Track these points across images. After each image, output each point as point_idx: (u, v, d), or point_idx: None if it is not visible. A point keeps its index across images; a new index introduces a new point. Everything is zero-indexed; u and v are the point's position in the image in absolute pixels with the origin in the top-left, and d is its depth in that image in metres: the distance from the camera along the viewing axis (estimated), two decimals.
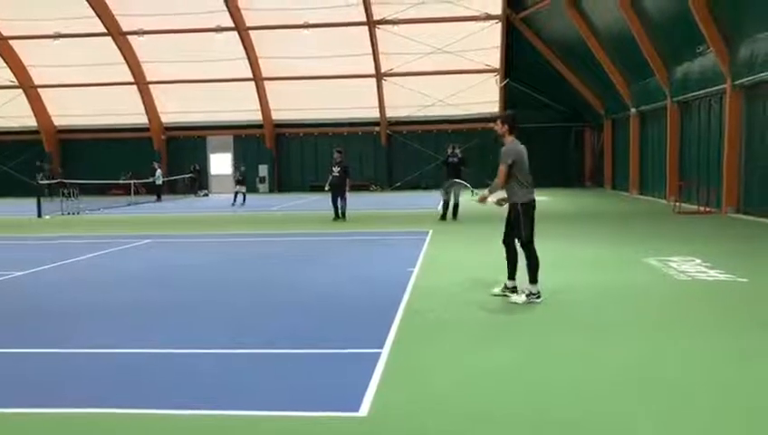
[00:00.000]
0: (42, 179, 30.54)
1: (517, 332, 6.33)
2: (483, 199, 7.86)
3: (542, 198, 27.67)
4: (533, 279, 7.39)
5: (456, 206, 17.23)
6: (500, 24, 31.08)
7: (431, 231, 14.51)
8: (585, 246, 12.20)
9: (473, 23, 30.83)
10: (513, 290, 7.58)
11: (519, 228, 7.43)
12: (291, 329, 6.57)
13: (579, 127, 35.11)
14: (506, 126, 7.55)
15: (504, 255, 7.71)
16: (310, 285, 8.92)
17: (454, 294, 7.96)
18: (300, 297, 8.13)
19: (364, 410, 4.35)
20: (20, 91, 34.62)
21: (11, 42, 32.94)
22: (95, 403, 4.55)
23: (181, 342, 6.15)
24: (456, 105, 33.27)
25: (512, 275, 7.67)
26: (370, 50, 32.21)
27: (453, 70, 32.60)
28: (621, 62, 26.02)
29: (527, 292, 7.39)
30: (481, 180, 32.81)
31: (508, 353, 5.62)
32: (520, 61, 32.35)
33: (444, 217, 17.21)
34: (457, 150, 17.85)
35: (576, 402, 4.51)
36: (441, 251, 11.70)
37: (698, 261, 10.08)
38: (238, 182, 26.03)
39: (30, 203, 22.36)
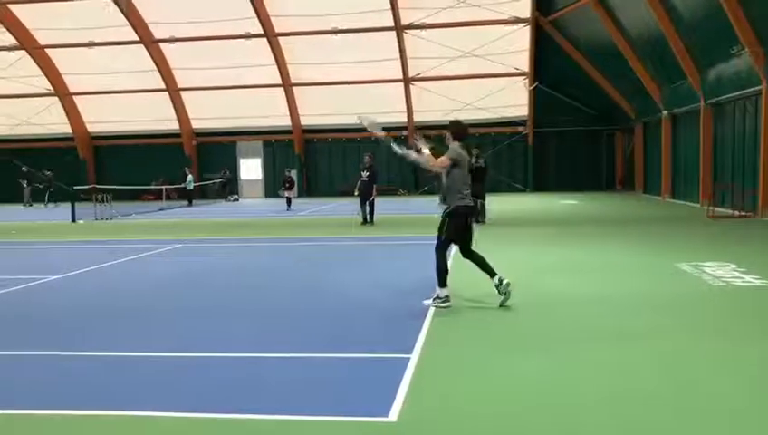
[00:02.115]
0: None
1: (548, 339, 6.26)
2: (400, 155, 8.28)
3: (571, 202, 27.53)
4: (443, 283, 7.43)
5: (482, 206, 17.19)
6: (529, 28, 30.90)
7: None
8: (616, 251, 12.04)
9: (501, 26, 30.71)
10: (500, 283, 7.51)
11: (442, 230, 7.52)
12: (319, 333, 6.59)
13: (609, 130, 34.72)
14: (448, 132, 7.74)
15: (475, 265, 7.69)
16: (338, 289, 8.95)
17: (483, 298, 7.91)
18: (328, 301, 8.15)
19: (393, 415, 4.34)
20: (56, 98, 35.38)
21: (47, 51, 33.70)
22: (130, 406, 4.62)
23: (211, 346, 6.20)
24: (485, 109, 33.14)
25: (492, 274, 7.60)
26: (398, 54, 32.27)
27: (481, 74, 32.50)
28: (652, 64, 25.67)
29: (435, 295, 7.44)
30: (508, 184, 32.83)
31: (539, 361, 5.56)
32: (549, 64, 32.12)
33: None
34: (481, 154, 17.87)
35: (607, 412, 4.45)
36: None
37: (733, 266, 9.88)
38: (286, 187, 26.02)
39: (65, 208, 22.79)
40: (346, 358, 5.72)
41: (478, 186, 17.40)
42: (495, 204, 17.85)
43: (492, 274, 7.55)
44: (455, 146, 7.60)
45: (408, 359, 5.52)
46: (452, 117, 34.46)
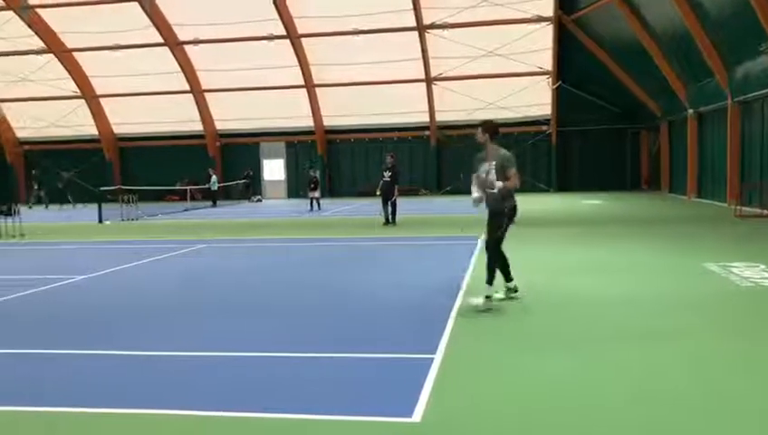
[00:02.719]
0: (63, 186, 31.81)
1: (573, 339, 6.22)
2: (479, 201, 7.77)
3: (595, 202, 27.26)
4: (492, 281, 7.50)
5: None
6: (552, 26, 30.69)
7: (482, 236, 14.37)
8: (642, 251, 11.91)
9: (524, 25, 30.54)
10: (515, 290, 7.75)
11: (495, 229, 7.51)
12: (342, 333, 6.61)
13: (634, 129, 34.34)
14: (487, 134, 7.65)
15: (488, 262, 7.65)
16: (361, 289, 8.97)
17: (507, 299, 7.87)
18: (352, 302, 8.17)
19: (417, 415, 4.34)
20: (82, 101, 35.92)
21: (74, 54, 34.23)
22: (155, 405, 4.68)
23: (235, 345, 6.25)
24: (508, 108, 33.00)
25: (508, 277, 7.75)
26: (420, 54, 32.25)
27: (504, 73, 32.36)
28: (678, 61, 25.35)
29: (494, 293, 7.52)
30: (532, 184, 32.59)
31: (564, 361, 5.52)
32: (573, 63, 31.88)
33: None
34: None
35: (633, 413, 4.40)
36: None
37: (762, 267, 9.72)
38: (311, 188, 26.01)
39: (91, 209, 23.12)
40: (369, 358, 5.73)
41: None
42: (519, 204, 17.70)
43: (508, 278, 7.74)
44: (495, 148, 7.59)
45: (432, 359, 5.52)
46: (474, 117, 34.39)
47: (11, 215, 18.17)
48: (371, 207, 22.60)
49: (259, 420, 4.39)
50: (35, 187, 32.87)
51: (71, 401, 4.78)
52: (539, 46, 31.31)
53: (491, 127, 7.72)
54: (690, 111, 25.84)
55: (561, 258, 11.32)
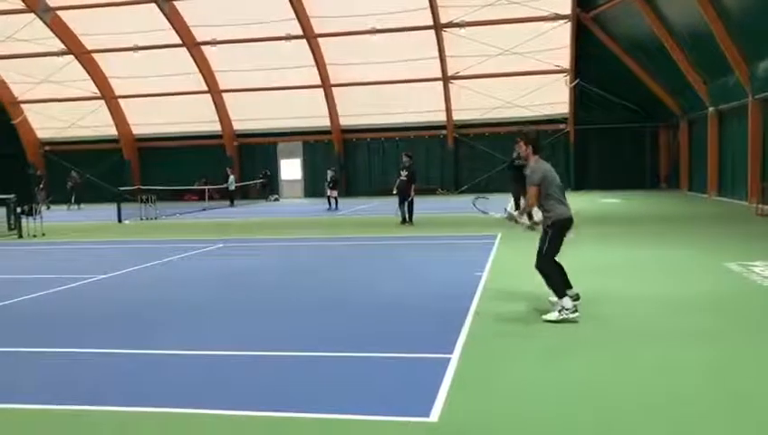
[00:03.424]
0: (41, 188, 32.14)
1: (591, 341, 6.19)
2: (512, 220, 7.51)
3: (613, 201, 26.99)
4: (562, 293, 6.83)
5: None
6: (569, 24, 30.49)
7: (499, 235, 14.35)
8: (661, 250, 11.81)
9: (541, 23, 30.38)
10: (577, 298, 7.03)
11: (545, 243, 6.94)
12: (360, 333, 6.64)
13: (653, 127, 34.03)
14: (530, 147, 7.05)
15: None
16: (378, 288, 8.99)
17: (524, 299, 7.85)
18: (368, 301, 8.19)
19: (435, 415, 4.36)
20: (102, 101, 36.29)
21: (94, 55, 34.58)
22: (181, 404, 4.73)
23: (253, 344, 6.30)
24: (524, 107, 32.84)
25: (568, 285, 7.07)
26: (437, 53, 32.19)
27: (521, 71, 32.21)
28: (698, 58, 25.07)
29: (559, 307, 6.77)
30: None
31: (582, 363, 5.50)
32: (591, 60, 31.63)
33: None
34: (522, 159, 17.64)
35: (652, 417, 4.38)
36: (510, 255, 11.56)
37: None
38: (330, 187, 26.05)
39: (111, 208, 23.37)
40: (386, 358, 5.75)
41: (519, 186, 17.28)
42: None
43: (568, 285, 7.03)
44: (534, 161, 7.04)
45: (449, 359, 5.52)
46: (491, 115, 34.16)
47: (32, 215, 18.41)
48: (388, 206, 22.61)
49: (275, 419, 4.42)
50: (39, 187, 33.07)
51: (105, 401, 4.84)
52: (556, 44, 31.11)
53: (533, 141, 7.11)
54: (711, 108, 25.55)
55: (580, 258, 11.25)
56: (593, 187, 33.31)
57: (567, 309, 6.69)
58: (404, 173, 17.96)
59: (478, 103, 33.21)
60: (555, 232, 6.96)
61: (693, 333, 6.32)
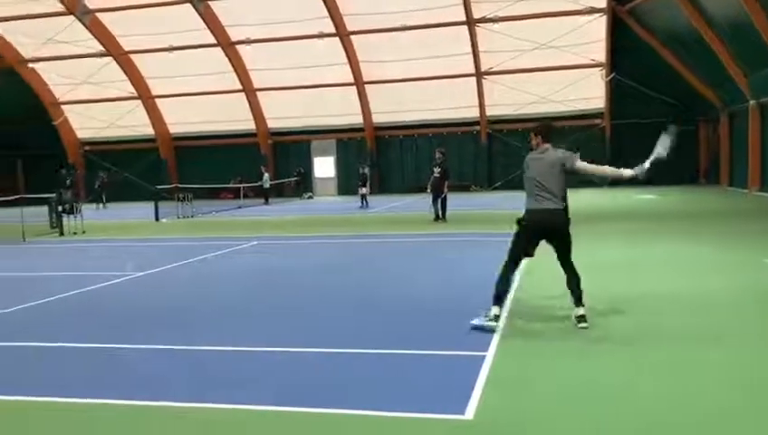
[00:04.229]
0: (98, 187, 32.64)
1: (625, 339, 6.11)
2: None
3: (649, 197, 26.55)
4: (498, 300, 6.48)
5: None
6: (605, 17, 30.04)
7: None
8: (699, 247, 11.59)
9: (576, 17, 29.99)
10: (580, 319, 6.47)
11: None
12: (394, 330, 6.65)
13: (691, 121, 33.32)
14: (539, 136, 6.79)
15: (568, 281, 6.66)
16: (412, 286, 9.00)
17: (560, 297, 7.76)
18: (402, 298, 8.21)
19: (470, 413, 4.35)
20: (139, 101, 36.94)
21: (131, 56, 35.21)
22: (213, 399, 4.81)
23: (288, 341, 6.35)
24: (559, 102, 32.47)
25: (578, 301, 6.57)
26: (470, 49, 32.02)
27: (555, 66, 31.85)
28: (738, 50, 24.48)
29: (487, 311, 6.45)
30: (584, 179, 31.92)
31: (616, 362, 5.44)
32: (627, 54, 31.12)
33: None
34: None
35: (688, 416, 4.31)
36: (544, 253, 11.43)
37: None
38: (361, 184, 26.20)
39: (148, 207, 23.78)
40: (421, 355, 5.76)
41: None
42: (570, 199, 17.42)
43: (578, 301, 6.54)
44: (550, 147, 6.77)
45: (484, 356, 5.51)
46: (525, 111, 33.85)
47: (73, 213, 18.85)
48: (421, 203, 22.59)
49: (316, 416, 4.46)
50: (67, 184, 33.63)
51: (155, 396, 4.95)
52: (591, 38, 30.69)
53: (544, 129, 6.90)
54: (752, 101, 24.93)
55: (613, 255, 11.11)
56: (630, 182, 32.75)
57: (488, 317, 6.38)
58: (437, 170, 17.92)
59: (512, 99, 32.94)
60: (520, 230, 6.66)
61: (729, 331, 6.20)
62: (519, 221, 6.72)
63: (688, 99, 31.97)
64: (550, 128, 7.00)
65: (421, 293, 8.49)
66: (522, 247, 6.70)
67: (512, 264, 6.66)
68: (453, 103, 34.18)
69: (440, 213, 17.94)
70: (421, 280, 9.41)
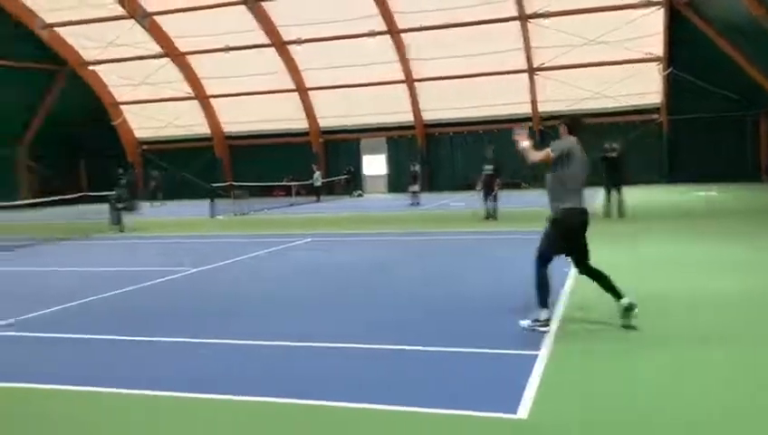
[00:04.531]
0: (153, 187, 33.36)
1: (679, 339, 5.99)
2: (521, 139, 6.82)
3: (710, 193, 25.67)
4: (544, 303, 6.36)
5: (619, 201, 16.71)
6: (662, 11, 29.26)
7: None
8: (756, 246, 11.20)
9: (632, 11, 29.30)
10: (629, 308, 6.30)
11: (543, 240, 6.45)
12: (446, 327, 6.67)
13: (753, 115, 32.16)
14: (565, 126, 6.70)
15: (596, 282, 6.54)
16: (464, 284, 8.99)
17: (610, 298, 7.64)
18: (454, 296, 8.21)
19: (523, 412, 4.34)
20: (195, 101, 37.80)
21: (188, 57, 36.06)
22: (275, 393, 4.93)
23: (343, 337, 6.43)
24: (612, 97, 31.80)
25: (618, 295, 6.40)
26: (522, 45, 31.64)
27: (609, 61, 31.19)
28: None
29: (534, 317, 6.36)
30: (638, 175, 31.23)
31: (670, 362, 5.34)
32: (684, 47, 30.23)
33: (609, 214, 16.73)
34: (615, 145, 17.14)
35: (743, 418, 4.20)
36: (604, 250, 11.23)
37: None
38: (412, 182, 26.08)
39: (204, 204, 24.33)
40: (473, 352, 5.76)
41: (615, 176, 16.88)
42: (627, 197, 17.13)
43: (617, 295, 6.38)
44: (565, 140, 6.61)
45: (536, 355, 5.48)
46: (579, 107, 33.24)
47: (132, 211, 19.45)
48: (471, 200, 22.47)
49: (367, 411, 4.53)
50: (124, 183, 34.52)
51: (225, 389, 5.10)
52: (646, 31, 29.92)
53: (567, 119, 6.86)
54: None
55: (673, 253, 10.85)
56: (688, 179, 31.85)
57: (539, 321, 6.29)
58: (489, 167, 17.79)
59: (564, 94, 32.39)
60: (554, 230, 6.44)
61: None
62: (555, 220, 6.45)
63: (750, 92, 30.84)
64: (578, 121, 6.88)
65: (471, 291, 8.47)
66: (559, 248, 6.49)
67: (546, 265, 6.48)
68: (504, 100, 33.83)
69: (491, 210, 17.80)
70: (471, 278, 9.39)
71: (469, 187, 23.57)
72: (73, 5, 31.42)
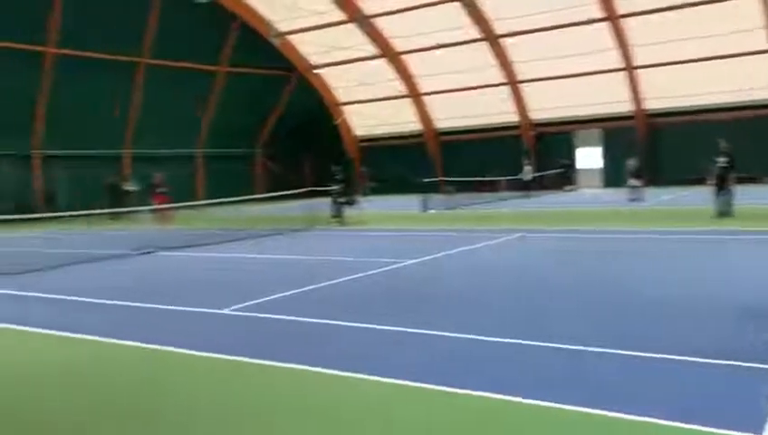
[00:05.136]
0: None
1: None
2: None
3: None
4: None
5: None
6: None
7: None
8: None
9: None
10: None
11: None
12: (682, 335, 6.17)
13: None
14: None
15: None
16: (701, 288, 8.27)
17: None
18: (691, 301, 7.54)
19: None
20: (408, 99, 39.13)
21: (402, 56, 37.41)
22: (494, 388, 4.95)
23: (592, 340, 6.16)
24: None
25: None
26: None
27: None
28: None
29: None
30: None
31: None
32: None
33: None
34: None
35: None
36: None
37: None
38: (633, 176, 24.74)
39: (413, 199, 25.11)
40: (716, 364, 5.26)
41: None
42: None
43: None
44: None
45: None
46: None
47: (352, 205, 20.68)
48: (700, 196, 20.59)
49: (594, 416, 4.36)
50: (340, 178, 36.37)
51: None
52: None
53: None
54: None
55: None
56: None
57: None
58: (722, 159, 16.19)
59: None
60: None
61: None
62: None
63: None
64: None
65: (713, 297, 7.71)
66: None
67: None
68: (743, 85, 30.34)
69: (724, 207, 16.17)
70: (711, 283, 8.61)
71: (699, 181, 21.58)
72: (299, 15, 34.14)
